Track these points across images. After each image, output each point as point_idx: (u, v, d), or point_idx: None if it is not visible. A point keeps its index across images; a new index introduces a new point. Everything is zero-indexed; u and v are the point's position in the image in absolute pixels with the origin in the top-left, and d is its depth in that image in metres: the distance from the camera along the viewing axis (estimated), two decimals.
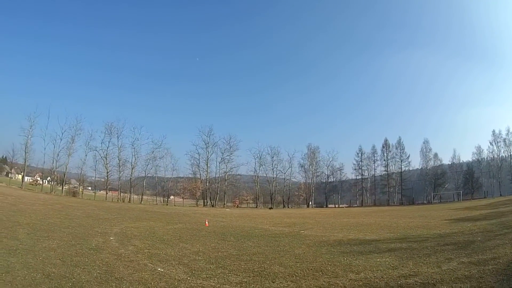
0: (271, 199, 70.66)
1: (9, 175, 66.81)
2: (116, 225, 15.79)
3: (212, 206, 62.62)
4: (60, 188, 55.74)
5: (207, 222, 19.79)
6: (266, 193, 72.89)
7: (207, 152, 69.31)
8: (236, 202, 69.86)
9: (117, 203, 48.29)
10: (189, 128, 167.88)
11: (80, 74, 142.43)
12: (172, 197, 68.43)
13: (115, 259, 8.14)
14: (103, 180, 64.42)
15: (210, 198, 66.44)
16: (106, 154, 61.26)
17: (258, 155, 72.95)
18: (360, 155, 77.25)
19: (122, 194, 60.90)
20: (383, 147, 75.61)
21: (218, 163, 70.27)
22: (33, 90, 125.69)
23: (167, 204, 58.18)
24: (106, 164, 61.14)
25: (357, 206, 68.28)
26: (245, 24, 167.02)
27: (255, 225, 20.04)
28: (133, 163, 63.47)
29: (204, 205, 63.25)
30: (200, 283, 6.46)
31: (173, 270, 7.42)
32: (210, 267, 7.81)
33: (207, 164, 69.28)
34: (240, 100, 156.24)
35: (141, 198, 61.16)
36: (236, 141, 71.10)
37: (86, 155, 60.37)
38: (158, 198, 65.26)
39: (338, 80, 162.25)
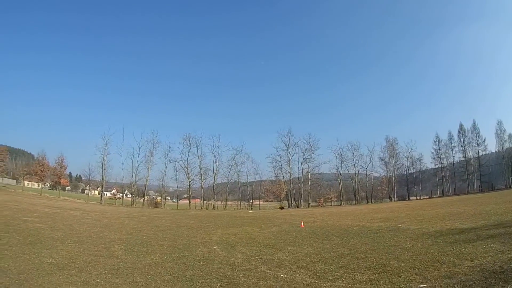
0: (355, 196, 71.91)
1: (85, 191, 76.06)
2: (212, 233, 16.50)
3: (297, 206, 63.57)
4: (141, 200, 61.99)
5: (302, 223, 19.96)
6: (349, 189, 74.02)
7: (288, 154, 72.48)
8: (321, 201, 70.52)
9: (202, 210, 51.95)
10: (267, 131, 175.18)
11: (152, 87, 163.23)
12: (251, 200, 71.75)
13: (230, 269, 8.15)
14: (182, 189, 70.62)
15: (294, 199, 68.26)
16: (186, 164, 67.43)
17: (339, 152, 74.93)
18: (437, 143, 78.66)
19: (205, 201, 65.28)
20: (459, 132, 76.22)
21: (300, 164, 73.03)
22: (104, 106, 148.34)
23: (251, 208, 60.36)
24: (188, 173, 66.89)
25: (438, 197, 69.32)
26: (307, 20, 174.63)
27: (350, 222, 20.45)
28: (215, 171, 68.59)
29: (289, 206, 64.55)
30: (330, 285, 6.53)
31: (297, 275, 7.37)
32: (331, 268, 7.95)
33: (289, 166, 71.85)
34: (314, 99, 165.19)
35: (225, 204, 65.00)
36: (316, 140, 73.40)
37: (166, 167, 67.32)
38: (242, 203, 69.42)
39: (412, 66, 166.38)
